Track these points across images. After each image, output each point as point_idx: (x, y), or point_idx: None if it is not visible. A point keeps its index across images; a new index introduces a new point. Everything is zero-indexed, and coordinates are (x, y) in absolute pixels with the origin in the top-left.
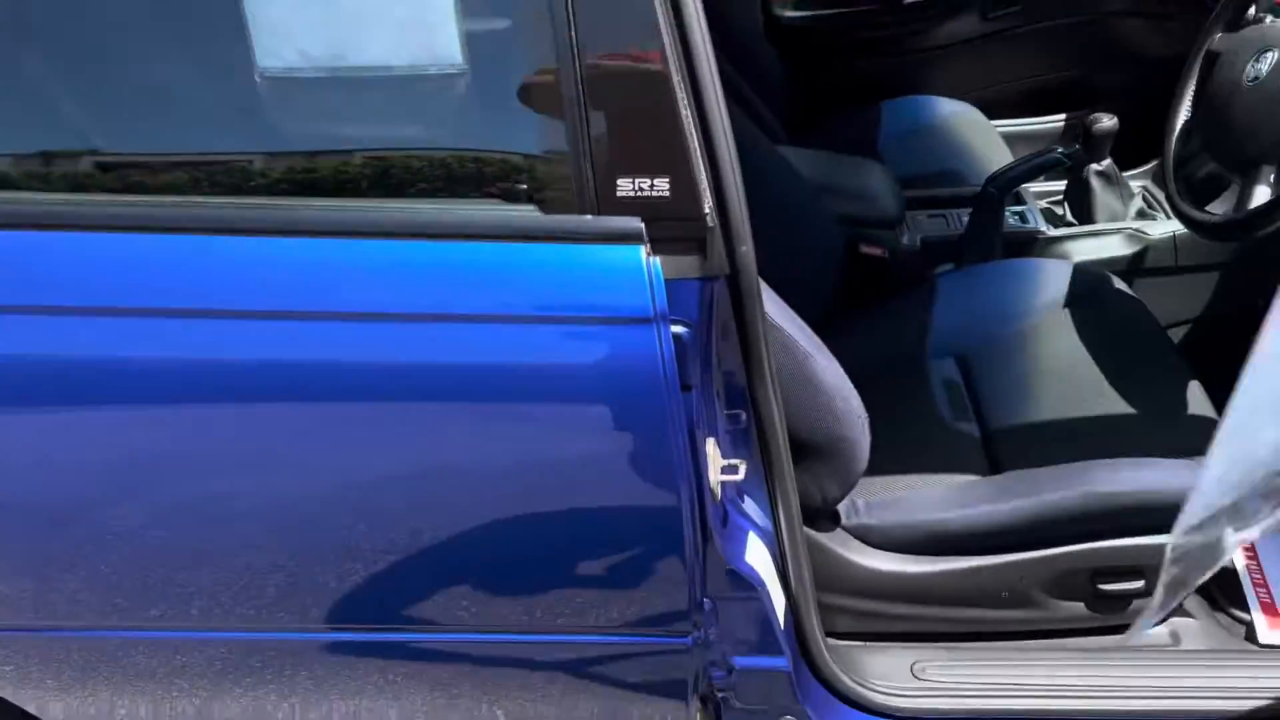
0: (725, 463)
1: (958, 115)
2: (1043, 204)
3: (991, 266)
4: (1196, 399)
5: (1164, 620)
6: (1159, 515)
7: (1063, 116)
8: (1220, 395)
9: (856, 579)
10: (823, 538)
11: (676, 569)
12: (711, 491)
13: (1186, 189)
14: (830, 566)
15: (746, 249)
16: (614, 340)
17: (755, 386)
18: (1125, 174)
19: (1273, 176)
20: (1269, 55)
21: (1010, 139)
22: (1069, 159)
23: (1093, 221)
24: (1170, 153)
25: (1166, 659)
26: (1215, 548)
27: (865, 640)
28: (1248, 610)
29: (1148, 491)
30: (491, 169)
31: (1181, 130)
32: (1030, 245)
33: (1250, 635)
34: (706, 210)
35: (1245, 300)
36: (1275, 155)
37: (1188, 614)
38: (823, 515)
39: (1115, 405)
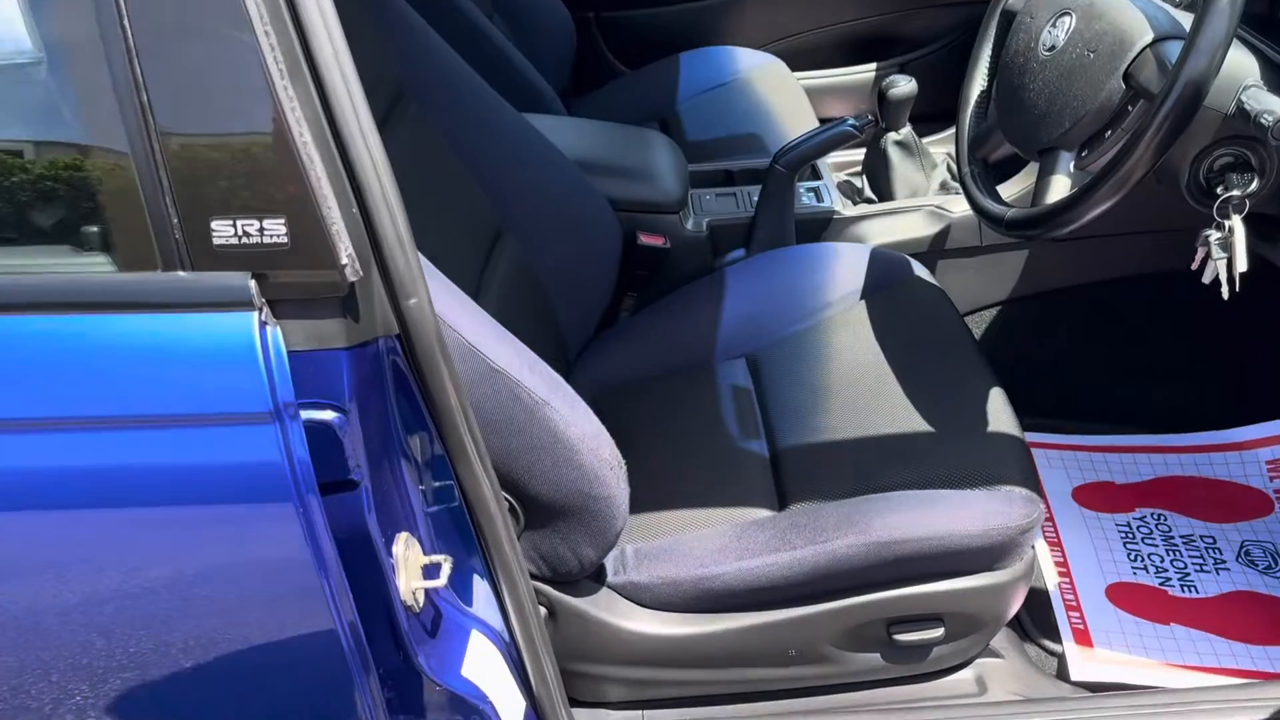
0: (428, 561)
1: (759, 69)
2: (841, 176)
3: (782, 254)
4: (995, 407)
5: (967, 663)
6: (951, 560)
7: (873, 67)
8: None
9: (625, 646)
10: (583, 603)
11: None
12: (405, 603)
13: (982, 172)
14: (593, 636)
15: (417, 301)
16: (219, 446)
17: (455, 463)
18: (930, 139)
19: (1071, 165)
20: (1065, 20)
21: (816, 93)
22: (860, 130)
23: (892, 197)
24: (965, 129)
25: (969, 712)
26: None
27: (644, 709)
28: (1059, 640)
29: (935, 538)
30: (40, 203)
31: (978, 102)
32: (825, 227)
33: (1062, 671)
34: (345, 258)
35: (1049, 282)
36: (1072, 140)
37: (995, 653)
38: (584, 575)
39: (907, 419)
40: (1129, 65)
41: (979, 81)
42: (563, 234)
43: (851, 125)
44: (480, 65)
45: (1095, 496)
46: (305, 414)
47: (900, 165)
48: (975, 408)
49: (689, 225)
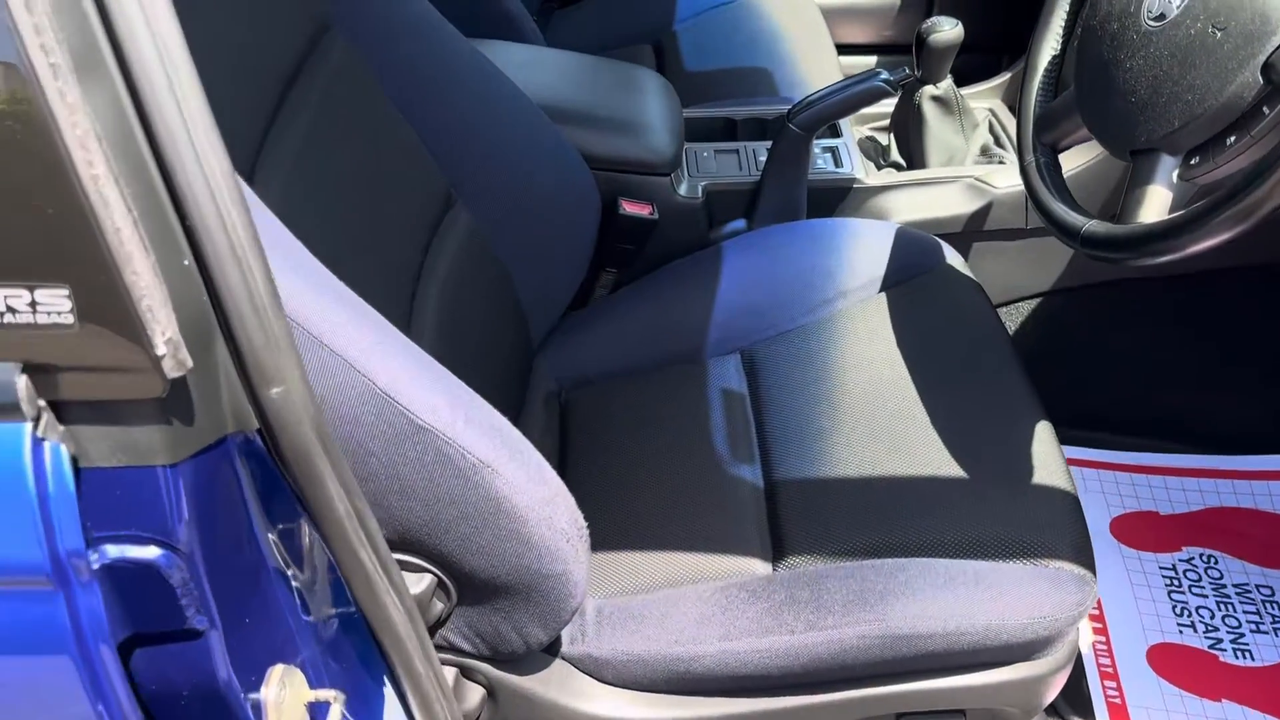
0: (313, 698)
1: None
2: (864, 132)
3: (791, 229)
4: (1043, 449)
5: None
6: (983, 654)
7: None
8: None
9: None
10: (529, 682)
11: None
12: None
13: (1050, 163)
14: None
15: (284, 390)
16: None
17: (348, 577)
18: (971, 89)
19: (1175, 174)
20: None
21: (833, 15)
22: (894, 86)
23: (924, 163)
24: (1030, 103)
25: None
26: None
27: None
28: (1091, 715)
29: (968, 633)
30: None
31: (1048, 70)
32: (844, 197)
33: None
34: (162, 345)
35: (1104, 274)
36: (1180, 143)
37: None
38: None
39: (934, 454)
40: (1272, 54)
41: (1051, 43)
42: (527, 201)
43: (884, 80)
44: None
45: (1137, 530)
46: (116, 552)
47: (936, 125)
48: (1018, 446)
49: (682, 190)
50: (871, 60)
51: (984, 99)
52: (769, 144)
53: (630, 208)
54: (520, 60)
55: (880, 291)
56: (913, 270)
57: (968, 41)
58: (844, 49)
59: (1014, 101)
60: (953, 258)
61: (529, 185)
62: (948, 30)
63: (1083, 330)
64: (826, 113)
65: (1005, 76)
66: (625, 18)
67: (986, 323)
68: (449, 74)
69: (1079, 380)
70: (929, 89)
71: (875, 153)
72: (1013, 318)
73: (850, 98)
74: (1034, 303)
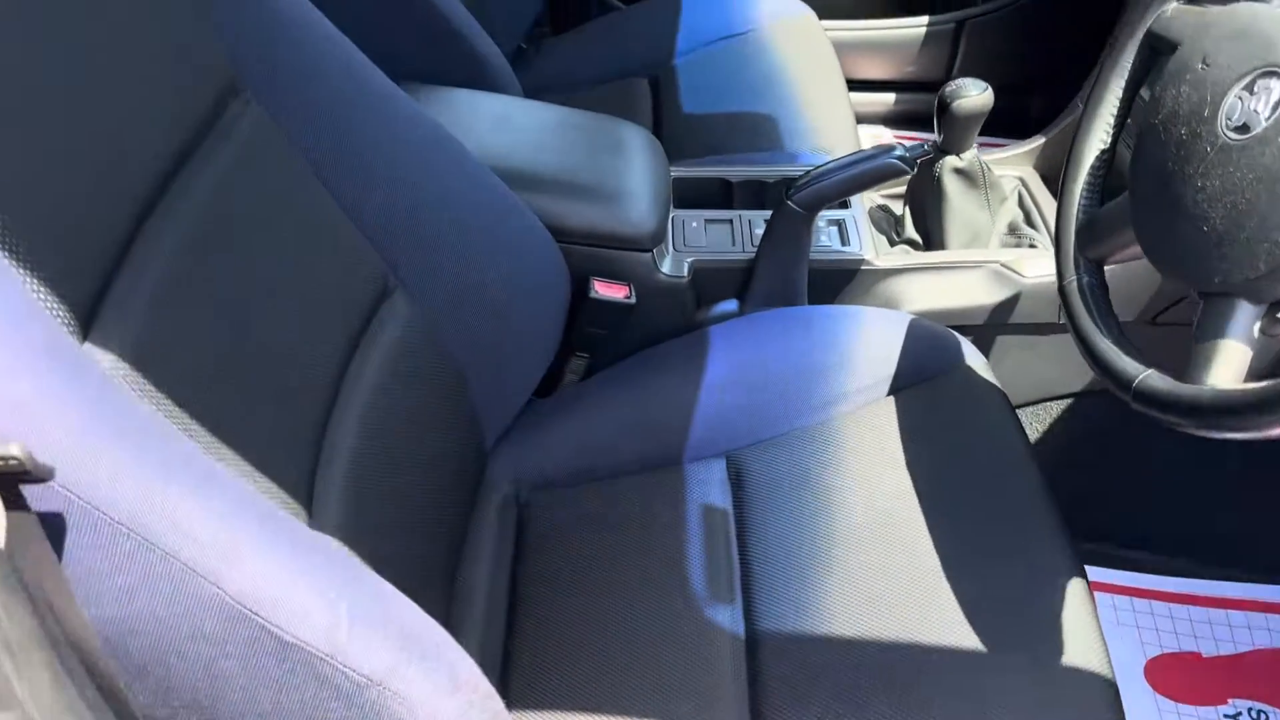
0: None
1: (784, 20)
2: (876, 199)
3: (788, 316)
4: (1077, 619)
5: None
6: None
7: (922, 22)
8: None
9: None
10: None
11: None
12: None
13: (1095, 283)
14: None
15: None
16: None
17: None
18: (998, 155)
19: (1256, 328)
20: (1271, 86)
21: (846, 49)
22: (911, 164)
23: (943, 243)
24: (1072, 209)
25: None
26: None
27: None
28: None
29: None
30: None
31: (1094, 168)
32: (850, 279)
33: None
34: None
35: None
36: (1264, 291)
37: None
38: None
39: (948, 615)
40: None
41: (1100, 134)
42: (482, 287)
43: (898, 158)
44: (381, 16)
45: (1175, 675)
46: None
47: (958, 200)
48: (1048, 612)
49: (665, 267)
50: (889, 99)
51: (1013, 166)
52: (766, 215)
53: (604, 290)
54: (485, 113)
55: (889, 394)
56: (927, 371)
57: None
58: (859, 85)
59: (1047, 170)
60: (973, 357)
61: (484, 269)
62: (974, 95)
63: (1119, 437)
64: (830, 192)
65: (1038, 141)
66: (621, 48)
67: (1010, 441)
68: (386, 139)
69: (1113, 492)
70: (951, 159)
71: (888, 225)
72: (1039, 419)
73: (858, 176)
74: (1064, 404)
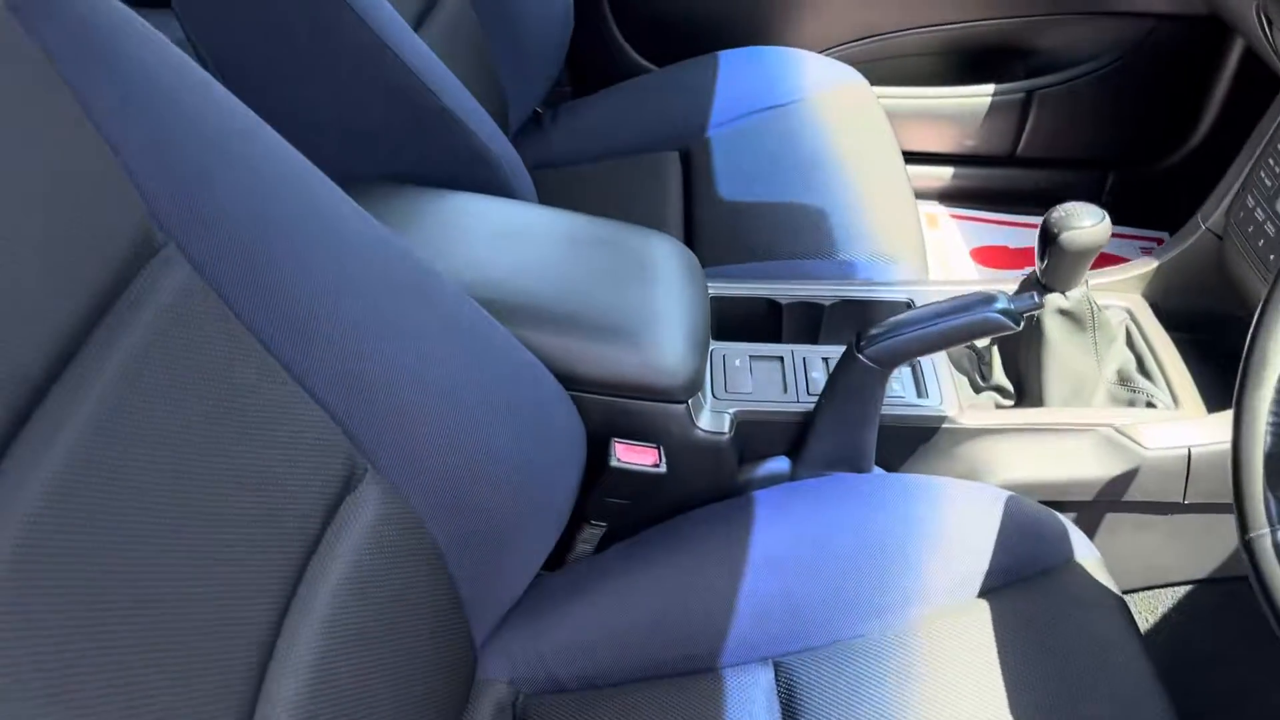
0: None
1: (834, 89)
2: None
3: (852, 486)
4: None
5: None
6: None
7: (988, 90)
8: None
9: None
10: None
11: None
12: None
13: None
14: None
15: None
16: None
17: None
18: (1102, 280)
19: None
20: None
21: (900, 118)
22: (1018, 321)
23: (1041, 396)
24: (1257, 441)
25: None
26: None
27: None
28: None
29: None
30: None
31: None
32: (928, 438)
33: None
34: None
35: None
36: None
37: None
38: None
39: None
40: None
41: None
42: (472, 467)
43: (1003, 312)
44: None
45: None
46: None
47: (1062, 346)
48: None
49: (703, 421)
50: (945, 173)
51: (1118, 293)
52: (823, 352)
53: (628, 456)
54: (481, 224)
55: (979, 595)
56: (1027, 567)
57: (1064, 155)
58: (913, 157)
59: (1158, 298)
60: (1083, 550)
61: (477, 441)
62: (1089, 227)
63: (1248, 632)
64: (913, 348)
65: (1149, 265)
66: (649, 115)
67: (1131, 667)
68: (337, 282)
69: (1238, 691)
70: (1055, 298)
71: (971, 364)
72: (1152, 609)
73: (950, 334)
74: (1184, 591)
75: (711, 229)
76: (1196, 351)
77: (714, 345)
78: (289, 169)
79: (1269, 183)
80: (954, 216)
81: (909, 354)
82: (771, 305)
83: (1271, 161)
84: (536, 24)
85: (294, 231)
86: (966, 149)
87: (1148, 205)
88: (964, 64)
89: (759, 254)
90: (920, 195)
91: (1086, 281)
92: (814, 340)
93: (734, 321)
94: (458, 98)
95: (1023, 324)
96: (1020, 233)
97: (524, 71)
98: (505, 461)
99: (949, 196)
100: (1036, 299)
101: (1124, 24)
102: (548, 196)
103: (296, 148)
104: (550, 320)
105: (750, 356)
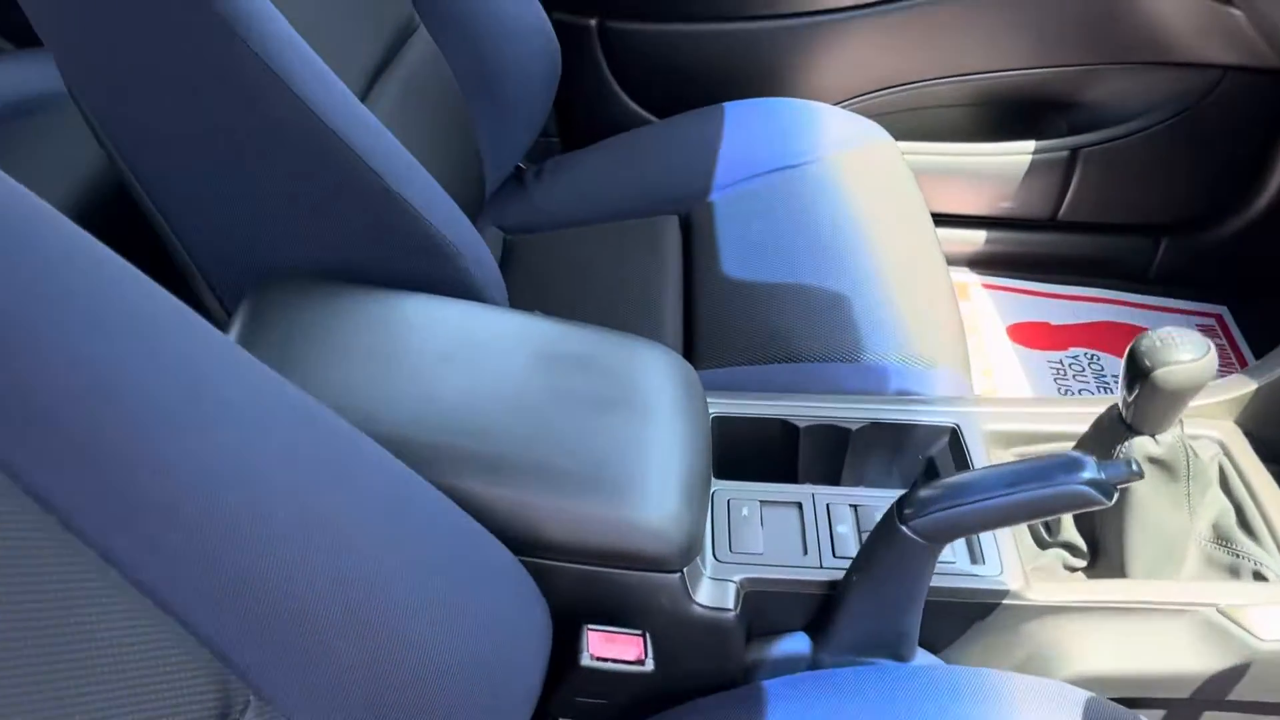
0: None
1: (857, 148)
2: None
3: (892, 680)
4: None
5: None
6: None
7: (1028, 147)
8: None
9: None
10: None
11: None
12: None
13: None
14: None
15: None
16: None
17: None
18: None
19: None
20: None
21: (929, 176)
22: (1111, 495)
23: (1122, 560)
24: None
25: None
26: None
27: None
28: None
29: None
30: None
31: None
32: (984, 615)
33: None
34: None
35: None
36: None
37: None
38: None
39: None
40: None
41: None
42: (398, 685)
43: (1091, 483)
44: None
45: None
46: None
47: (1149, 500)
48: None
49: (701, 594)
50: (978, 237)
51: (1207, 420)
52: (851, 496)
53: (603, 648)
54: (423, 336)
55: None
56: None
57: (1112, 219)
58: (942, 219)
59: (1255, 425)
60: None
61: (401, 656)
62: (1190, 362)
63: None
64: (972, 524)
65: (1246, 387)
66: (646, 174)
67: None
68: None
69: None
70: (1143, 443)
71: (1044, 535)
72: None
73: (1020, 507)
74: None
75: (714, 315)
76: None
77: (716, 486)
78: (139, 305)
79: None
80: (987, 286)
81: (967, 530)
82: (786, 426)
83: None
84: (518, 71)
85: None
86: (1002, 211)
87: (1204, 276)
88: (1000, 117)
89: (770, 353)
90: (950, 261)
91: (1181, 422)
92: (838, 468)
93: (741, 447)
94: (407, 176)
95: (1116, 497)
96: (1062, 306)
97: (504, 125)
98: (442, 672)
99: (982, 263)
100: (1135, 468)
101: (1185, 75)
102: (526, 265)
103: (212, 233)
104: (509, 470)
105: (761, 503)
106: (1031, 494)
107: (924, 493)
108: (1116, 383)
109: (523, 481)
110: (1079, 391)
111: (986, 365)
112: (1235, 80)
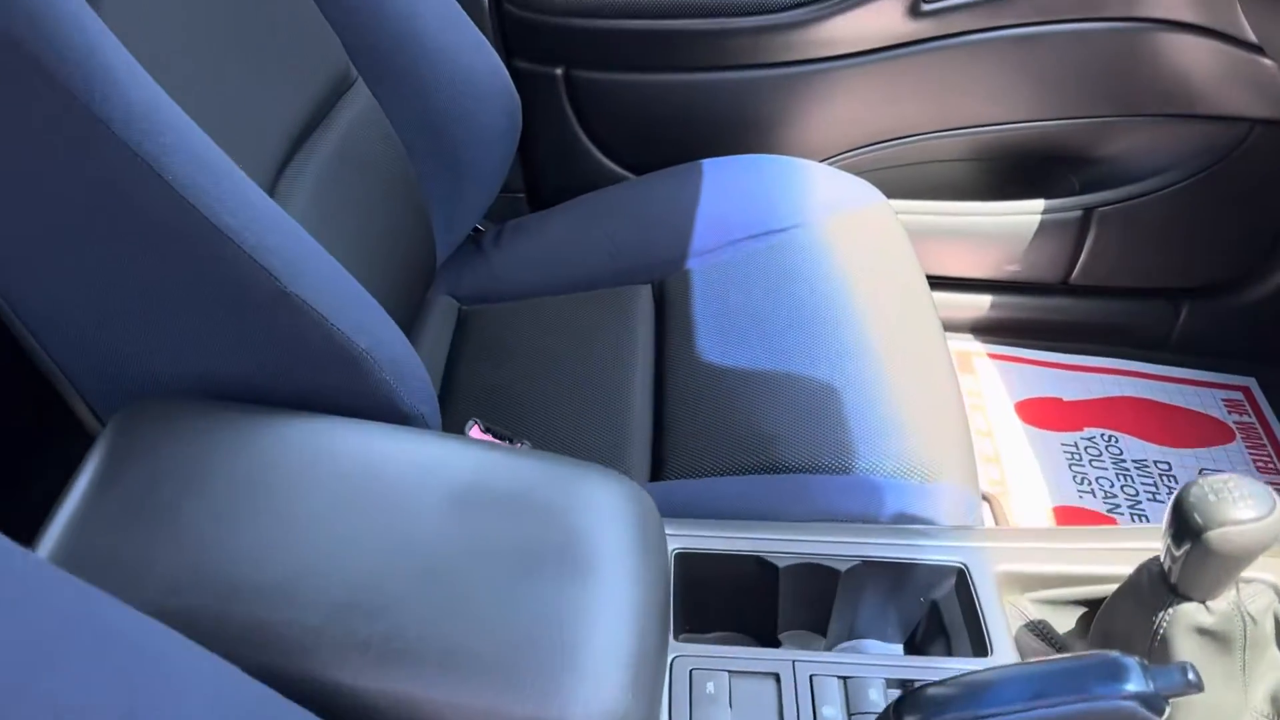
0: None
1: (850, 211)
2: (1029, 611)
3: None
4: None
5: None
6: None
7: (1037, 206)
8: None
9: None
10: None
11: None
12: None
13: None
14: None
15: None
16: None
17: None
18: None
19: None
20: None
21: (923, 237)
22: (1159, 707)
23: None
24: None
25: None
26: None
27: None
28: None
29: None
30: None
31: None
32: None
33: None
34: None
35: None
36: None
37: None
38: None
39: None
40: None
41: None
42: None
43: (1135, 697)
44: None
45: None
46: None
47: (1203, 671)
48: None
49: None
50: (982, 302)
51: (1264, 563)
52: (844, 666)
53: None
54: (323, 495)
55: None
56: None
57: (1129, 284)
58: (941, 282)
59: None
60: None
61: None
62: (1252, 523)
63: None
64: None
65: None
66: (614, 237)
67: None
68: None
69: None
70: (1191, 611)
71: None
72: None
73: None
74: None
75: (688, 409)
76: None
77: (675, 650)
78: None
79: None
80: (993, 356)
81: None
82: (762, 565)
83: None
84: (472, 127)
85: None
86: (1009, 275)
87: (1230, 345)
88: (1006, 174)
89: (749, 461)
90: (950, 328)
91: (1237, 585)
92: (825, 613)
93: (710, 587)
94: (311, 273)
95: (1168, 711)
96: (1076, 379)
97: (457, 185)
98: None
99: (986, 330)
100: (1193, 677)
101: (1210, 129)
102: (482, 339)
103: (80, 342)
104: (404, 658)
105: (730, 674)
106: (1063, 710)
107: (927, 695)
108: (1138, 468)
109: (421, 673)
110: (1096, 479)
111: (994, 450)
112: (1264, 134)
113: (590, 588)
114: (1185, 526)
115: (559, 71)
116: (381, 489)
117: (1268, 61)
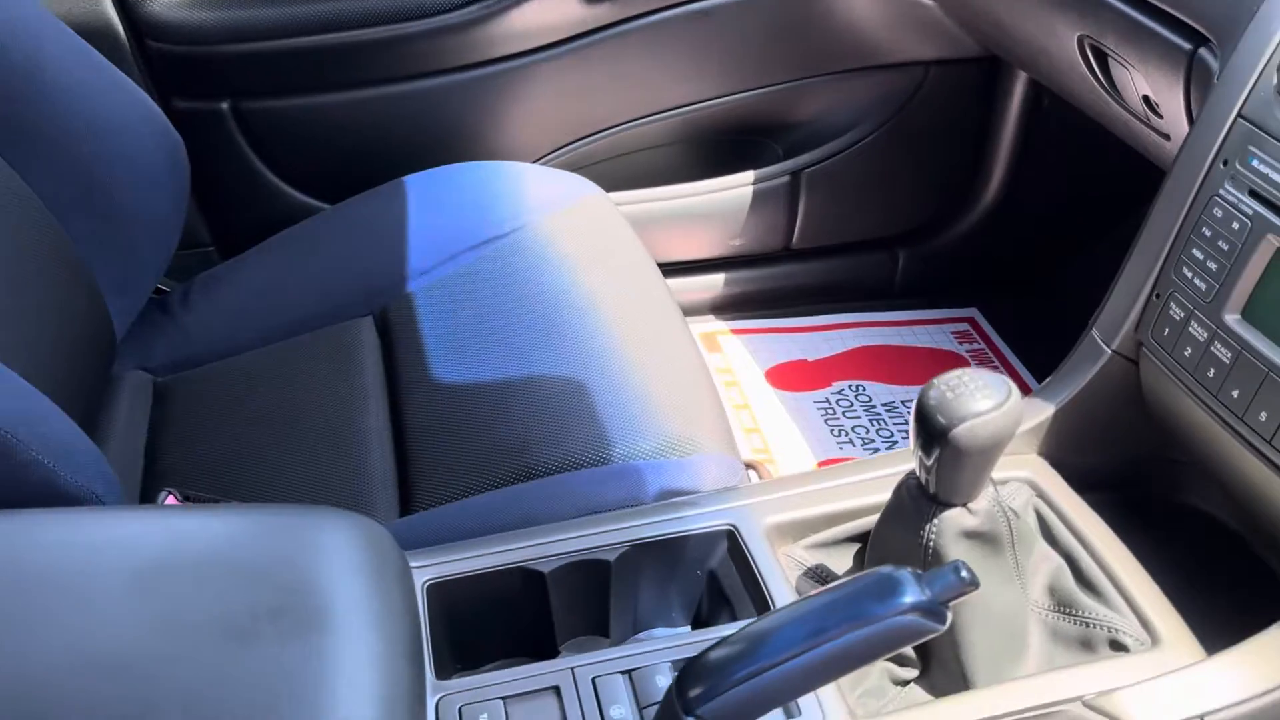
0: None
1: (566, 208)
2: (805, 559)
3: None
4: None
5: None
6: None
7: (747, 178)
8: None
9: None
10: None
11: None
12: None
13: None
14: None
15: None
16: None
17: None
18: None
19: None
20: None
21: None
22: (940, 614)
23: (956, 666)
24: None
25: None
26: None
27: None
28: None
29: None
30: None
31: None
32: None
33: None
34: None
35: None
36: None
37: None
38: None
39: None
40: None
41: None
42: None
43: (915, 609)
44: None
45: None
46: None
47: (979, 574)
48: None
49: None
50: (716, 281)
51: (1009, 460)
52: (628, 659)
53: None
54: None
55: None
56: None
57: (846, 239)
58: (674, 268)
59: (1059, 455)
60: None
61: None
62: (992, 411)
63: None
64: (777, 697)
65: (1043, 413)
66: (323, 271)
67: None
68: None
69: None
70: (955, 517)
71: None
72: None
73: (834, 662)
74: None
75: (430, 436)
76: (1138, 522)
77: (438, 689)
78: None
79: (1200, 284)
80: (736, 332)
81: (777, 703)
82: (529, 576)
83: (1199, 255)
84: (127, 178)
85: None
86: (735, 250)
87: (948, 281)
88: (713, 152)
89: (502, 473)
90: (690, 311)
91: (993, 481)
92: (604, 611)
93: (473, 615)
94: None
95: (950, 617)
96: (817, 339)
97: (123, 244)
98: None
99: (725, 308)
100: (966, 575)
101: (890, 77)
102: (185, 413)
103: None
104: None
105: (505, 700)
106: (847, 640)
107: (705, 661)
108: (888, 410)
109: None
110: (852, 429)
111: (753, 421)
112: (940, 75)
113: (321, 641)
114: (931, 429)
115: (225, 105)
116: (55, 584)
117: (929, 3)
